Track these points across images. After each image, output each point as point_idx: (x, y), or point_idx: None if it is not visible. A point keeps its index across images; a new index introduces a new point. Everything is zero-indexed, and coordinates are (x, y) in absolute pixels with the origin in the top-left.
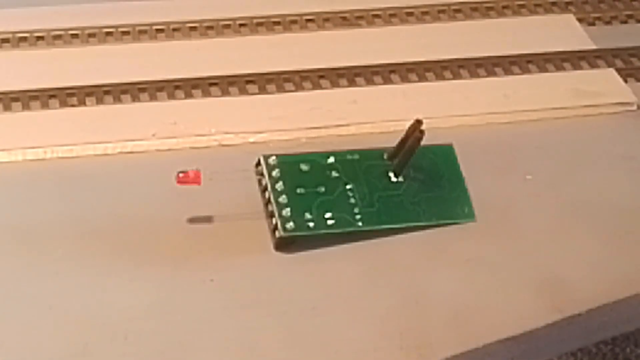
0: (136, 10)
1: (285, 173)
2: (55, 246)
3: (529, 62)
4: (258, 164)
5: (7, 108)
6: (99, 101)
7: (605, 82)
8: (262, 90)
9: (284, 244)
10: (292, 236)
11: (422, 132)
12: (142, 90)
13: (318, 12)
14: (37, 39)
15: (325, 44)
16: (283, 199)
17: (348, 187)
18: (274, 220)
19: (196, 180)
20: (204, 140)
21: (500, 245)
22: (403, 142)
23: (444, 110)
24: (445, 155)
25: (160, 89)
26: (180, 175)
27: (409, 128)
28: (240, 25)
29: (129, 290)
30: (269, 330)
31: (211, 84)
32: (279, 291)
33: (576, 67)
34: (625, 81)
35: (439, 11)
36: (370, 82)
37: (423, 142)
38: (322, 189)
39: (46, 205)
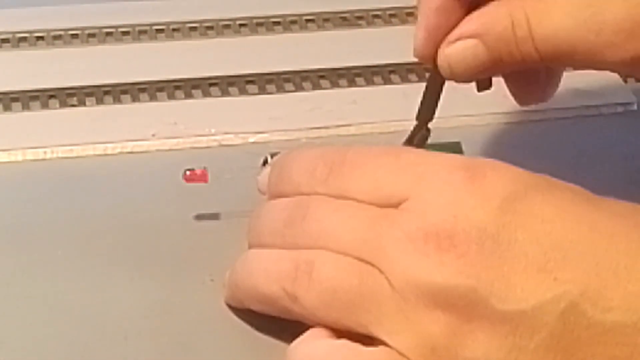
0: (136, 10)
1: None
2: (55, 246)
3: None
4: (265, 162)
5: (7, 108)
6: (99, 101)
7: (605, 82)
8: (262, 90)
9: None
10: None
11: (428, 130)
12: (142, 90)
13: (318, 12)
14: (37, 39)
15: (325, 44)
16: None
17: None
18: None
19: (203, 178)
20: (204, 141)
21: None
22: (409, 141)
23: (444, 111)
24: (452, 152)
25: (160, 89)
26: (188, 173)
27: (415, 127)
28: (240, 25)
29: (129, 290)
30: (269, 330)
31: (211, 84)
32: None
33: None
34: (625, 81)
35: None
36: (370, 82)
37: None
38: None
39: (46, 205)
